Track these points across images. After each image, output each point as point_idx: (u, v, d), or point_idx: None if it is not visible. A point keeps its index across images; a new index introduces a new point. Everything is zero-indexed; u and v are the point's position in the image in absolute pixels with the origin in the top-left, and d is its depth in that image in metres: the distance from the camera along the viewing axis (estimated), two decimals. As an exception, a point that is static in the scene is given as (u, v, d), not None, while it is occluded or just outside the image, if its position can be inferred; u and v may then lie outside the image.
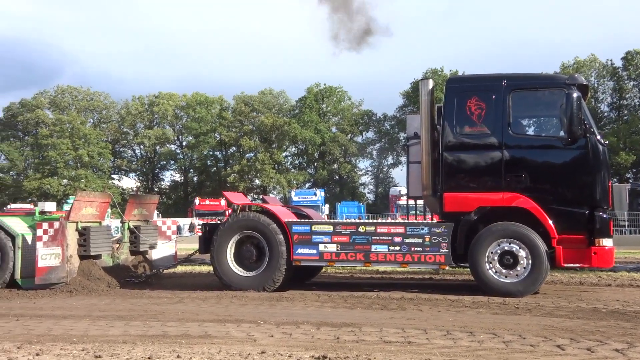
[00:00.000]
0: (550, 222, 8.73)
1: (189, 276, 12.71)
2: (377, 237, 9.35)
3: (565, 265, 8.85)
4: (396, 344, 5.70)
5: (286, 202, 46.10)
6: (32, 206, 35.19)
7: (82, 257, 10.54)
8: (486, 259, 8.89)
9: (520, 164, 8.99)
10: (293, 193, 39.84)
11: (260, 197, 13.51)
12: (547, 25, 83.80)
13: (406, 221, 10.15)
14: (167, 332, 6.36)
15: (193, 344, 5.74)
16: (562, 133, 8.90)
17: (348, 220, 9.78)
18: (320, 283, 11.11)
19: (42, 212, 10.94)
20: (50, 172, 56.79)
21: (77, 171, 57.12)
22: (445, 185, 9.32)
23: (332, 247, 9.50)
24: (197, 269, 14.00)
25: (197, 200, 44.98)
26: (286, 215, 10.10)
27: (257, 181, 59.54)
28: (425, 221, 10.07)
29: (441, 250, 9.13)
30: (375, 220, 10.83)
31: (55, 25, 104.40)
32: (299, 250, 9.63)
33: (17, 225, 10.67)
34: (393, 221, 10.07)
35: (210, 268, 12.55)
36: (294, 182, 57.72)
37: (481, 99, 9.19)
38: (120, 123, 63.61)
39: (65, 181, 57.05)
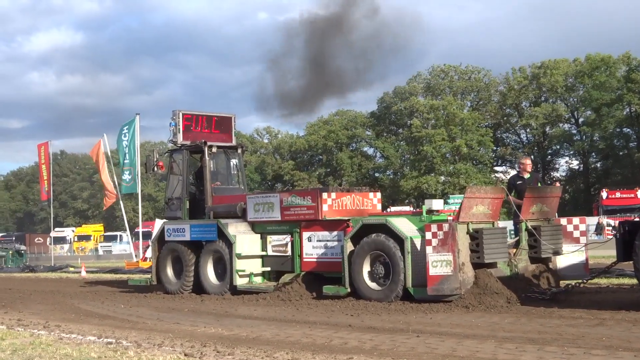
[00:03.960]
0: None
1: (606, 291, 12.30)
2: None
3: None
4: None
5: None
6: (410, 208, 38.52)
7: (475, 265, 11.05)
8: None
9: None
10: None
11: None
12: None
13: None
14: (596, 364, 6.23)
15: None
16: None
17: None
18: None
19: (429, 212, 11.76)
20: (426, 168, 61.14)
21: (456, 165, 60.23)
22: None
23: None
24: (615, 281, 13.56)
25: (603, 193, 43.16)
26: None
27: (694, 164, 53.74)
28: None
29: None
30: None
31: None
32: None
33: (405, 227, 11.69)
34: None
35: (634, 281, 11.87)
36: None
37: None
38: (502, 102, 64.70)
39: (442, 178, 60.82)
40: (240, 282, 13.95)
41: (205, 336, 8.82)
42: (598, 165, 63.24)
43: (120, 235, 58.63)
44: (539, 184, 13.44)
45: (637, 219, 10.99)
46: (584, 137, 61.36)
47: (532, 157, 62.36)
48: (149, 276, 16.33)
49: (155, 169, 16.52)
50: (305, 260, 13.38)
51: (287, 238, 13.76)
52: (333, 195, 13.21)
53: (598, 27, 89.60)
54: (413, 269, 11.33)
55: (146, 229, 36.21)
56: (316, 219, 13.10)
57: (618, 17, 70.49)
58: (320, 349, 7.56)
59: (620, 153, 59.90)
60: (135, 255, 32.29)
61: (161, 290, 15.50)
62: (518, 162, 13.82)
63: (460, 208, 11.18)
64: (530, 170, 13.47)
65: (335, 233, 12.93)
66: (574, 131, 63.23)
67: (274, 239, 14.05)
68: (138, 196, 30.33)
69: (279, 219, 13.72)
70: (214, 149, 15.76)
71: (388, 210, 31.67)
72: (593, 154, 62.75)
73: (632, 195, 41.02)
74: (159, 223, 18.60)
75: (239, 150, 16.59)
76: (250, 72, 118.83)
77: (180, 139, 15.85)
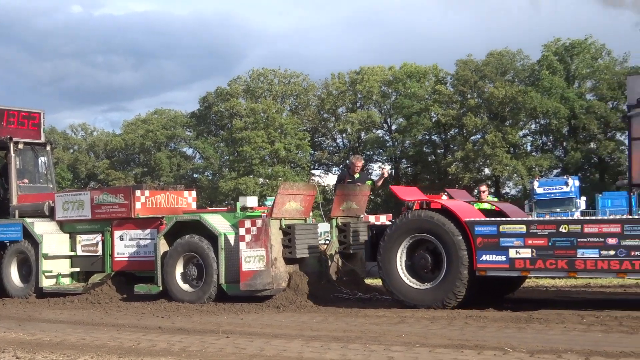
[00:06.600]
0: None
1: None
2: (585, 239, 8.85)
3: None
4: None
5: (527, 195, 44.28)
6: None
7: (287, 261, 11.26)
8: None
9: None
10: (536, 184, 38.26)
11: (445, 191, 13.29)
12: None
13: (622, 217, 9.38)
14: (393, 358, 6.55)
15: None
16: None
17: (545, 219, 9.51)
18: (582, 300, 10.62)
19: (243, 208, 11.88)
20: (245, 170, 61.38)
21: (274, 168, 61.00)
22: None
23: (526, 253, 9.22)
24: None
25: (412, 197, 45.42)
26: (468, 213, 9.95)
27: (487, 170, 58.23)
28: None
29: None
30: (582, 218, 10.47)
31: (238, 4, 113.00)
32: (484, 257, 9.45)
33: (219, 224, 11.69)
34: (604, 218, 9.40)
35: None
36: (537, 170, 55.19)
37: None
38: (320, 107, 66.38)
39: (261, 180, 61.33)
40: (46, 283, 13.33)
41: (5, 341, 8.36)
42: (408, 170, 66.61)
43: None
44: (369, 183, 13.91)
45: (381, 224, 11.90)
46: (396, 143, 64.45)
47: (348, 161, 64.39)
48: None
49: (-44, 165, 15.45)
50: (116, 259, 13.00)
51: (98, 237, 13.33)
52: (147, 193, 12.96)
53: (411, 40, 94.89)
54: (226, 265, 11.33)
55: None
56: (129, 217, 12.79)
57: (428, 32, 74.61)
58: (127, 352, 7.40)
59: (429, 159, 63.64)
60: None
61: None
62: (350, 161, 14.31)
63: (273, 204, 11.31)
64: (360, 171, 13.88)
65: (148, 231, 12.68)
66: (387, 137, 66.21)
67: (83, 239, 13.56)
68: None
69: (90, 217, 13.25)
70: (20, 145, 14.94)
71: (206, 210, 31.50)
72: (404, 159, 66.12)
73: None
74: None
75: (48, 147, 15.89)
76: (62, 66, 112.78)
77: (-17, 134, 14.90)
